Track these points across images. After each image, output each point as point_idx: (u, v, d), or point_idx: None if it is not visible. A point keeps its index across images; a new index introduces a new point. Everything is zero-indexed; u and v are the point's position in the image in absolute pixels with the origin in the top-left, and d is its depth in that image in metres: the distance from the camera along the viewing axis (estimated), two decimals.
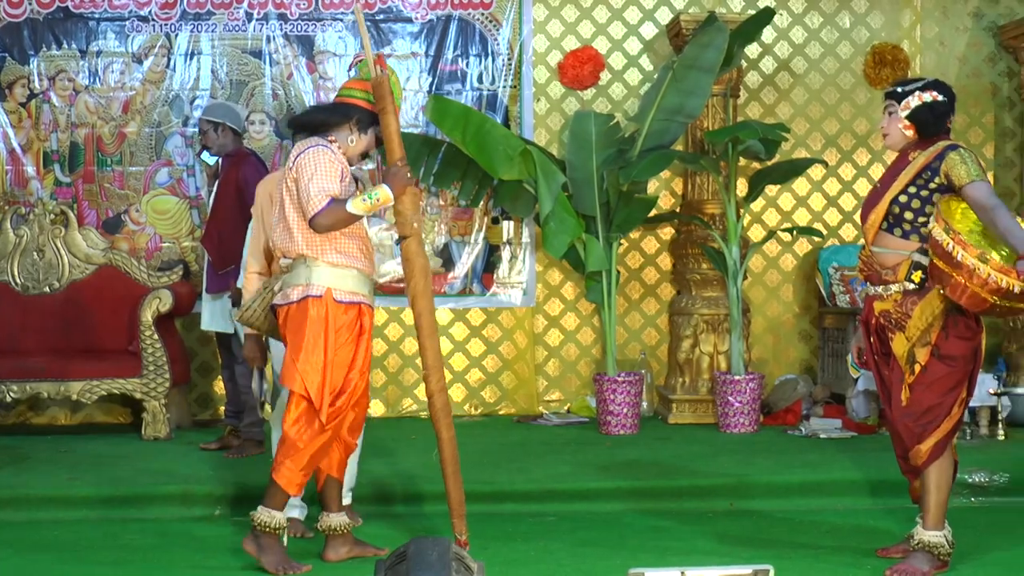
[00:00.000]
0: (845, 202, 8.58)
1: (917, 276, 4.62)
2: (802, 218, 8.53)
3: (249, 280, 5.21)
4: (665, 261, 8.48)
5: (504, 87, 8.38)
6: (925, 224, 4.62)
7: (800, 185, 8.49)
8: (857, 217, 8.55)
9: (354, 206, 4.63)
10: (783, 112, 8.54)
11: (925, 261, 4.60)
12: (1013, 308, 4.48)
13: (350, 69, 8.28)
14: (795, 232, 8.10)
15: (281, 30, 8.28)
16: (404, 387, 8.39)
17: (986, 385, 7.24)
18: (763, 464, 6.49)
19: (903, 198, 4.66)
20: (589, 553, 5.06)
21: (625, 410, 7.51)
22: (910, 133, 4.73)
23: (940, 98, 4.70)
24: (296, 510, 5.31)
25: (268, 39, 8.27)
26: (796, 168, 7.95)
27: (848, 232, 8.58)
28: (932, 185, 4.63)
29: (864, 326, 4.87)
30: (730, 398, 7.52)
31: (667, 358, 8.31)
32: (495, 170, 7.60)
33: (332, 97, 8.26)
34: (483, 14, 8.36)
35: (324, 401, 4.71)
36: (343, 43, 8.33)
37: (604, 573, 4.71)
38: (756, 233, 8.39)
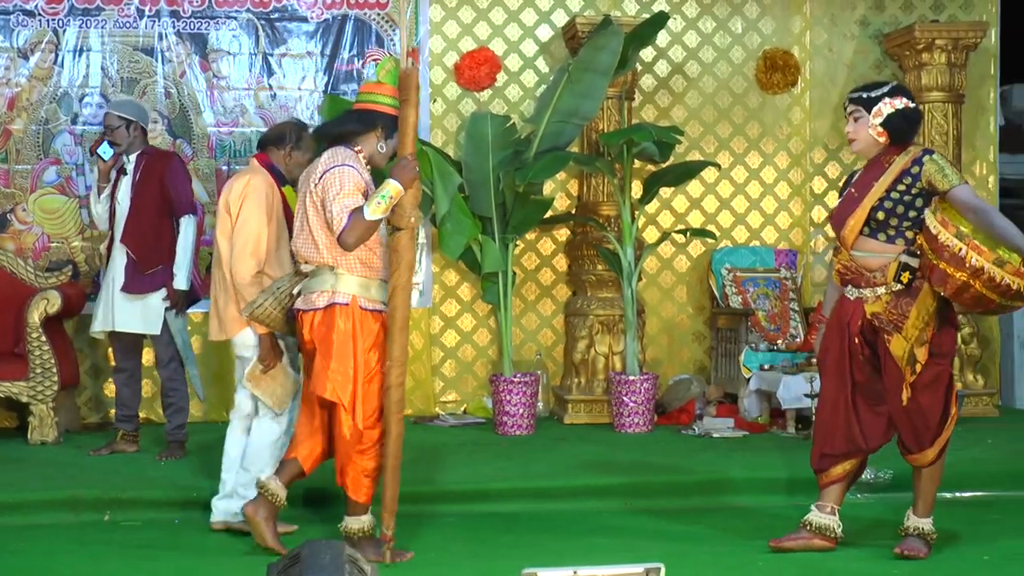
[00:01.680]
0: (738, 204, 8.72)
1: (905, 277, 4.72)
2: (696, 220, 8.64)
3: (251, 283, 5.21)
4: (561, 262, 8.53)
5: None
6: (910, 228, 4.73)
7: (694, 187, 8.60)
8: (750, 219, 8.71)
9: (371, 212, 4.70)
10: (677, 115, 8.64)
11: (913, 262, 4.71)
12: (1003, 306, 4.67)
13: (363, 67, 8.20)
14: (688, 234, 8.21)
15: (173, 27, 8.15)
16: None
17: None
18: (657, 463, 6.57)
19: (888, 203, 4.73)
20: (485, 554, 5.07)
21: (521, 411, 7.54)
22: (883, 140, 4.80)
23: (911, 104, 4.80)
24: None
25: (160, 36, 8.14)
26: (690, 170, 8.06)
27: (740, 234, 8.72)
28: (915, 190, 4.72)
29: (840, 328, 4.89)
30: (625, 398, 7.59)
31: (563, 359, 8.36)
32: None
33: (227, 96, 8.21)
34: (379, 14, 8.33)
35: (358, 406, 4.81)
36: (237, 42, 8.23)
37: (499, 573, 4.72)
38: (650, 235, 8.48)
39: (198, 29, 8.19)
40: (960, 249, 4.52)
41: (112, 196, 6.82)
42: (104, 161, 6.82)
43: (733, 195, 8.73)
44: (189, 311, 7.00)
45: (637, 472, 6.34)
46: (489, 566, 4.88)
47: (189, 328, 7.28)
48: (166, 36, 8.14)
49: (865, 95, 4.85)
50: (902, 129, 4.80)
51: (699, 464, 6.53)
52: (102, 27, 8.09)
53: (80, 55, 8.08)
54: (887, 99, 4.79)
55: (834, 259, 4.99)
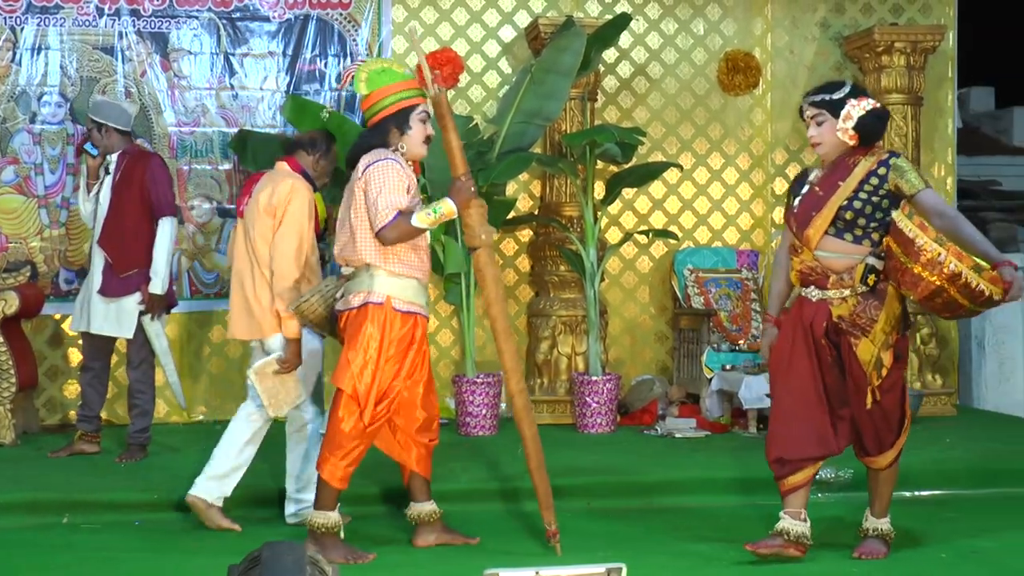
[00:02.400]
0: (700, 205, 8.75)
1: (872, 280, 4.69)
2: (658, 221, 8.67)
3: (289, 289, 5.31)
4: (523, 263, 8.54)
5: None
6: (876, 230, 4.69)
7: (656, 188, 8.63)
8: (712, 220, 8.75)
9: (419, 220, 4.81)
10: (640, 116, 8.67)
11: (879, 265, 4.69)
12: (978, 311, 4.66)
13: (341, 87, 8.22)
14: (651, 235, 8.23)
15: (134, 26, 8.09)
16: None
17: None
18: (619, 464, 6.58)
19: (857, 203, 4.69)
20: (448, 554, 5.07)
21: (484, 411, 7.54)
22: (853, 142, 4.74)
23: (878, 104, 4.75)
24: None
25: (120, 35, 8.07)
26: (652, 171, 8.09)
27: (703, 235, 8.75)
28: (882, 191, 4.69)
29: (804, 330, 4.81)
30: (588, 399, 7.61)
31: (525, 359, 8.37)
32: None
33: (188, 95, 8.16)
34: (342, 14, 8.31)
35: (370, 403, 4.89)
36: (198, 41, 8.18)
37: (461, 574, 4.72)
38: (613, 235, 8.50)
39: (159, 28, 8.14)
40: (939, 254, 4.47)
41: (98, 196, 6.74)
42: (93, 157, 6.73)
43: (695, 196, 8.76)
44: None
45: (599, 473, 6.35)
46: (451, 566, 4.88)
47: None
48: (126, 35, 8.08)
49: (828, 98, 4.77)
50: (875, 130, 4.75)
51: (661, 464, 6.55)
52: (61, 25, 8.02)
53: (38, 53, 8.00)
54: (852, 100, 4.72)
55: (792, 259, 4.88)
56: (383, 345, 4.88)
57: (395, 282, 4.91)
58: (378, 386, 4.90)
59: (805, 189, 4.88)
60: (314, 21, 8.29)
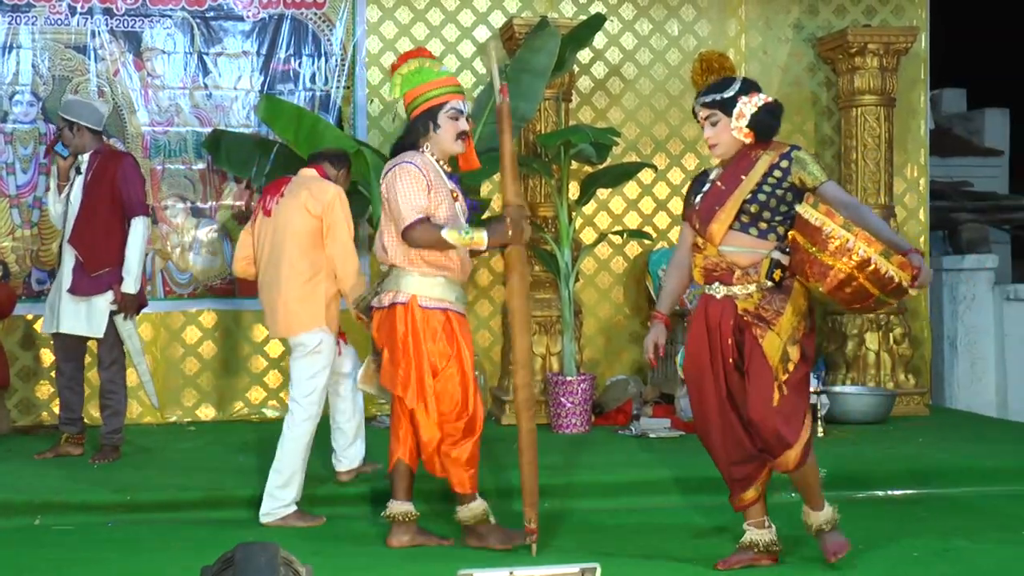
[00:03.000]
0: (674, 206, 8.77)
1: (777, 274, 4.61)
2: (632, 221, 8.69)
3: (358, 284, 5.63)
4: (498, 263, 8.53)
5: (337, 88, 8.32)
6: (781, 224, 4.62)
7: (630, 188, 8.65)
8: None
9: (448, 235, 4.90)
10: (614, 117, 8.69)
11: (784, 260, 4.61)
12: (888, 302, 4.58)
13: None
14: (625, 235, 8.25)
15: (107, 25, 8.05)
16: (235, 390, 8.27)
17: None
18: (594, 463, 6.59)
19: (761, 197, 4.61)
20: (421, 555, 5.06)
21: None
22: (749, 140, 4.67)
23: (770, 98, 4.68)
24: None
25: (93, 34, 8.04)
26: (626, 172, 8.10)
27: (677, 235, 8.75)
28: (785, 184, 4.61)
29: (711, 330, 4.72)
30: (562, 399, 7.61)
31: (500, 360, 8.37)
32: None
33: (162, 95, 8.12)
34: (316, 14, 8.29)
35: (429, 401, 5.00)
36: (172, 40, 8.14)
37: (435, 574, 4.71)
38: (587, 236, 8.51)
39: (132, 27, 8.10)
40: (848, 240, 4.39)
41: (69, 197, 6.71)
42: (63, 158, 6.70)
43: (669, 196, 8.78)
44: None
45: (574, 472, 6.36)
46: (424, 567, 4.87)
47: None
48: (99, 34, 8.04)
49: (719, 97, 4.68)
50: (770, 126, 4.66)
51: (636, 464, 6.56)
52: (32, 23, 7.97)
53: (9, 52, 7.96)
54: (744, 98, 4.63)
55: (695, 257, 4.76)
56: (420, 341, 4.98)
57: (421, 280, 5.01)
58: (431, 379, 5.01)
59: (707, 187, 4.77)
60: (288, 21, 8.27)
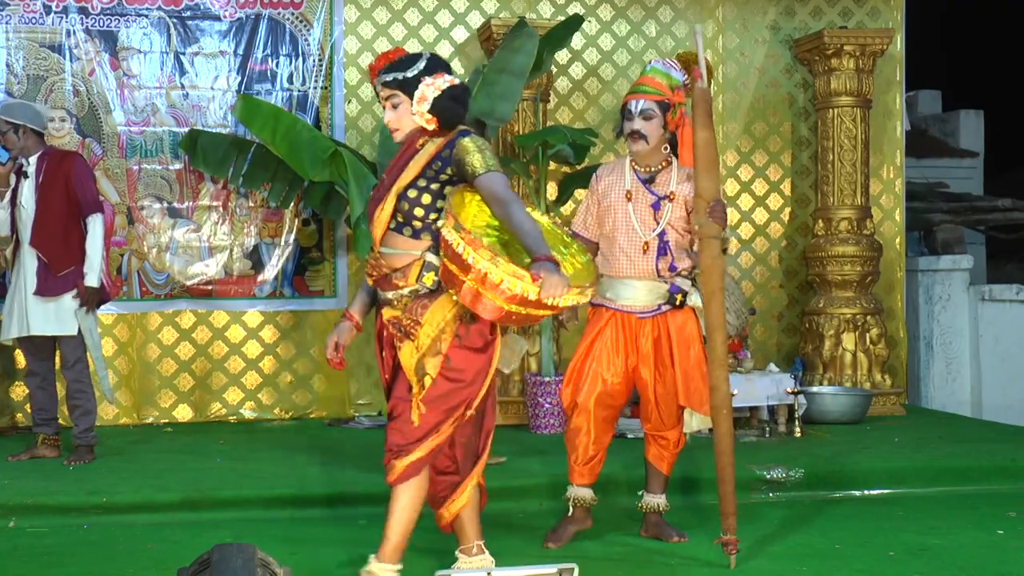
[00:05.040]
0: None
1: (429, 278, 4.09)
2: None
3: None
4: None
5: (315, 88, 8.30)
6: (438, 220, 4.09)
7: None
8: None
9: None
10: (592, 117, 8.69)
11: (438, 262, 4.06)
12: (531, 316, 3.96)
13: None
14: None
15: (82, 24, 8.01)
16: (212, 391, 8.23)
17: (784, 384, 7.54)
18: None
19: (412, 192, 4.10)
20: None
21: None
22: (432, 127, 4.12)
23: (456, 80, 4.15)
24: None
25: (68, 33, 7.99)
26: None
27: None
28: (443, 177, 4.10)
29: (376, 339, 4.31)
30: (540, 399, 7.61)
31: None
32: (305, 171, 7.52)
33: (138, 95, 8.08)
34: (293, 14, 8.27)
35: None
36: (148, 40, 8.11)
37: (414, 575, 4.70)
38: None
39: (108, 26, 8.06)
40: (457, 244, 3.85)
41: (13, 201, 6.69)
42: (2, 165, 6.67)
43: None
44: (99, 311, 6.88)
45: (551, 473, 6.35)
46: (403, 568, 4.85)
47: (100, 330, 7.18)
48: (74, 33, 8.00)
49: (400, 76, 4.12)
50: (455, 112, 4.12)
51: (613, 464, 6.55)
52: (6, 22, 7.92)
53: None
54: (427, 79, 4.10)
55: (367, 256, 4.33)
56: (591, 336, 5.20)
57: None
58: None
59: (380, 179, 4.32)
60: (265, 20, 8.25)
